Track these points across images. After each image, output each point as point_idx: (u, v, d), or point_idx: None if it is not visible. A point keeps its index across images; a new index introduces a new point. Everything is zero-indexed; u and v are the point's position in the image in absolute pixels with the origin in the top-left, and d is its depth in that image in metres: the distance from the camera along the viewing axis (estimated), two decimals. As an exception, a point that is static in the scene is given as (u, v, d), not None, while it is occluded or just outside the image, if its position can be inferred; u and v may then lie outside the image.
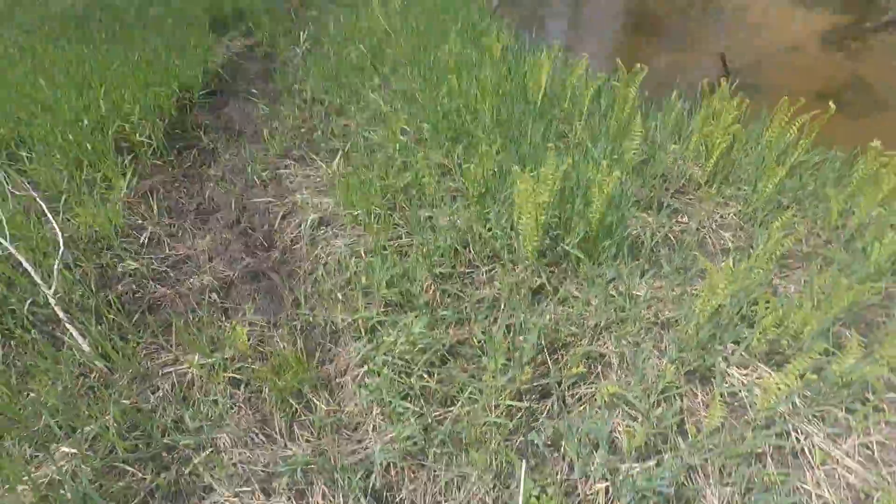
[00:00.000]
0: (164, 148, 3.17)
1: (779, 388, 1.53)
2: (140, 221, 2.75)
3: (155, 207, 2.81)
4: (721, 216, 2.55)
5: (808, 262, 2.29)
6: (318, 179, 2.96)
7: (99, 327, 2.14)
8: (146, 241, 2.65)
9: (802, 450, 1.59)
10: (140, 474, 1.74)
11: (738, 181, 2.72)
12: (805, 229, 2.46)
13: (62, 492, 1.59)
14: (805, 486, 1.52)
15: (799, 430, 1.62)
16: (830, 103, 2.41)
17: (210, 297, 2.41)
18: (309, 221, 2.67)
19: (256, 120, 3.49)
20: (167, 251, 2.63)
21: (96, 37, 3.74)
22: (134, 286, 2.43)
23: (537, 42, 4.03)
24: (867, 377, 1.61)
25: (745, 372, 1.79)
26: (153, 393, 2.00)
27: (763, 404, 1.53)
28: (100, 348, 2.05)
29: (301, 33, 4.33)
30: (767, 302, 1.93)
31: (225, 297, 2.45)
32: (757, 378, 1.76)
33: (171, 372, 2.07)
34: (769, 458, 1.57)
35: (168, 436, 1.83)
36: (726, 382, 1.76)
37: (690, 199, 2.67)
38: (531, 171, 2.31)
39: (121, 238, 2.61)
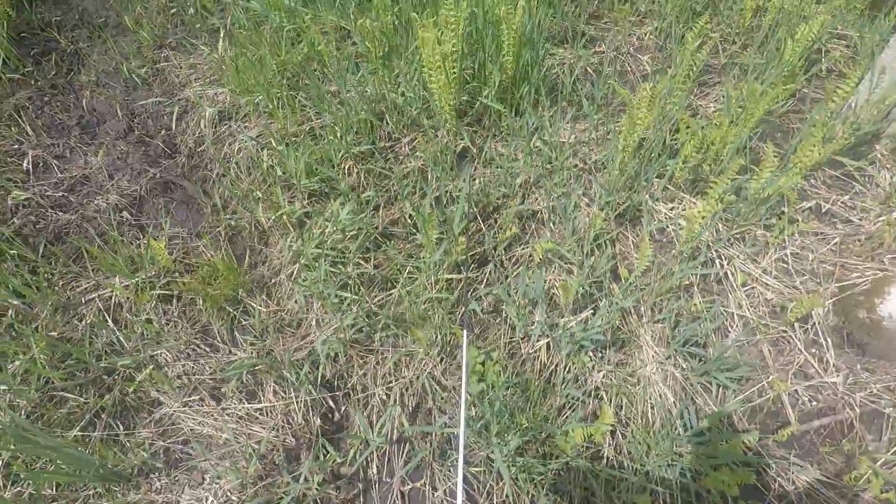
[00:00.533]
0: (17, 58, 2.53)
1: (702, 217, 1.43)
2: (17, 146, 2.29)
3: (29, 128, 2.32)
4: (638, 38, 2.27)
5: (725, 75, 2.10)
6: (206, 68, 2.45)
7: (2, 265, 1.86)
8: (30, 167, 2.22)
9: (726, 275, 1.56)
10: (82, 399, 1.63)
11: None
12: (720, 36, 2.23)
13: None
14: (728, 309, 1.51)
15: (722, 256, 1.58)
16: None
17: (121, 217, 2.11)
18: (207, 117, 2.26)
19: (114, 7, 2.78)
20: (59, 175, 2.23)
21: None
22: (32, 217, 2.10)
23: None
24: (782, 189, 1.53)
25: (671, 206, 1.69)
26: (80, 321, 1.82)
27: (688, 235, 1.44)
28: (9, 286, 1.80)
29: None
30: (688, 127, 1.77)
31: (138, 213, 2.14)
32: (682, 210, 1.67)
33: (94, 298, 1.87)
34: (696, 289, 1.54)
35: (105, 360, 1.69)
36: (654, 220, 1.66)
37: (606, 23, 2.35)
38: (432, 16, 1.93)
39: (-2, 170, 2.18)
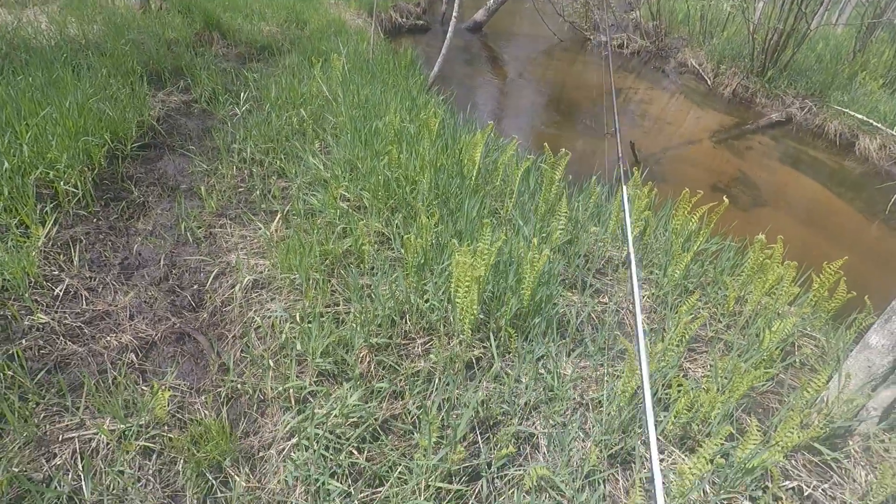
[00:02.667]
0: (91, 198, 2.93)
1: (692, 473, 1.56)
2: (57, 272, 2.49)
3: (75, 259, 2.56)
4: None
5: (712, 346, 2.43)
6: (256, 241, 2.82)
7: (-3, 384, 1.89)
8: (61, 293, 2.40)
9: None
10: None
11: (650, 265, 2.88)
12: (708, 314, 2.63)
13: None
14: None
15: (710, 519, 1.66)
16: (724, 198, 2.66)
17: (128, 358, 2.20)
18: (243, 283, 2.52)
19: (192, 176, 3.31)
20: (84, 306, 2.39)
21: (22, 81, 3.46)
22: (41, 341, 2.18)
23: (470, 121, 4.18)
24: (766, 464, 1.69)
25: (661, 457, 1.83)
26: (49, 461, 1.76)
27: (679, 490, 1.56)
28: (-10, 407, 1.79)
29: (241, 94, 4.23)
30: (680, 385, 2.01)
31: (144, 358, 2.24)
32: (672, 463, 1.80)
33: (73, 437, 1.84)
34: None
35: (60, 511, 1.60)
36: (644, 467, 1.79)
37: (610, 280, 2.79)
38: (468, 245, 2.33)
39: (32, 289, 2.35)
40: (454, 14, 4.87)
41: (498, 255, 2.40)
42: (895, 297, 2.00)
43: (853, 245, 4.94)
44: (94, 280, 2.52)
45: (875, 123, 6.77)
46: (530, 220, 2.77)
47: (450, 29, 4.90)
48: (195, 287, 2.61)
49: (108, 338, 2.27)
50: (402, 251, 2.55)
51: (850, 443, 2.10)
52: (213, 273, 2.64)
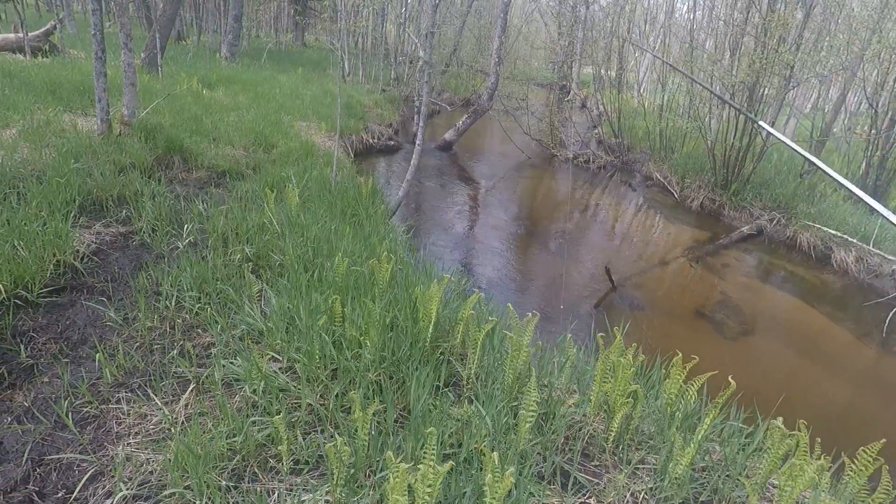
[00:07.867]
0: (-42, 367, 2.30)
1: None
2: None
3: None
4: (632, 494, 2.04)
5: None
6: (157, 420, 2.18)
7: None
8: None
9: None
10: None
11: (644, 442, 2.28)
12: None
13: None
14: None
15: None
16: (730, 379, 2.12)
17: None
18: (118, 498, 1.84)
19: (104, 327, 2.72)
20: None
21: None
22: None
23: (430, 261, 3.73)
24: None
25: None
26: None
27: None
28: None
29: (187, 225, 3.76)
30: None
31: None
32: None
33: None
34: None
35: None
36: None
37: (597, 466, 2.16)
38: (415, 440, 1.74)
39: None
40: (418, 142, 4.62)
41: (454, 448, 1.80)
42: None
43: (856, 376, 4.41)
44: (-79, 493, 1.83)
45: (849, 238, 6.56)
46: (494, 398, 2.18)
47: (414, 155, 4.64)
48: (61, 494, 1.92)
49: None
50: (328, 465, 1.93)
51: None
52: (89, 473, 1.96)
